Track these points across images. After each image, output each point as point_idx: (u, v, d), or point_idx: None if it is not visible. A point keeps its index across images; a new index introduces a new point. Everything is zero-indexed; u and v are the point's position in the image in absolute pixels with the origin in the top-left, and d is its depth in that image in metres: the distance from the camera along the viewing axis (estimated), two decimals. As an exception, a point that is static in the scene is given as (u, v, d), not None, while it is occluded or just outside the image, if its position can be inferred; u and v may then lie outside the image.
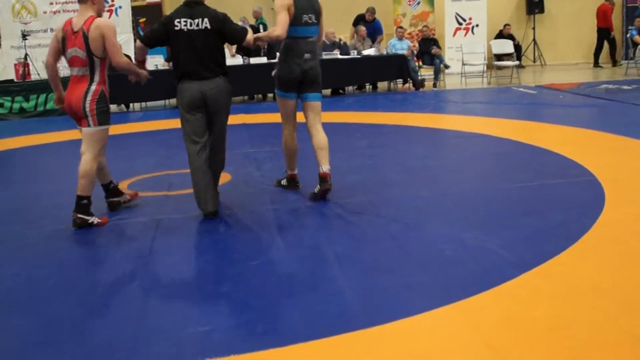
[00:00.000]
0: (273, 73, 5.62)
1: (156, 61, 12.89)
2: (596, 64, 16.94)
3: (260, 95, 13.49)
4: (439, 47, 14.24)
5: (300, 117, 5.65)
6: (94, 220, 4.99)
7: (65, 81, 5.10)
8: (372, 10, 14.53)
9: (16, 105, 12.34)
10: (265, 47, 12.62)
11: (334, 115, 10.32)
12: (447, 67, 14.20)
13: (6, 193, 6.41)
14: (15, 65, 13.80)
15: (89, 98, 4.90)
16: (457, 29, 16.83)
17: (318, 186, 5.37)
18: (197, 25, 5.01)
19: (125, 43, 14.79)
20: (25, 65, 13.36)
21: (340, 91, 13.87)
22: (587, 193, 5.15)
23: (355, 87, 14.27)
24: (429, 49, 14.05)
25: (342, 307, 3.30)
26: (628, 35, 16.19)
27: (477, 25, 16.77)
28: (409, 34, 16.51)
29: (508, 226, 4.43)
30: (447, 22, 16.82)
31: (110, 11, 15.49)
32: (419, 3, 16.84)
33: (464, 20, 16.77)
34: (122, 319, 3.34)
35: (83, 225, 4.93)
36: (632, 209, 4.75)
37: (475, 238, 4.21)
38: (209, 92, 5.03)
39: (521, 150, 6.95)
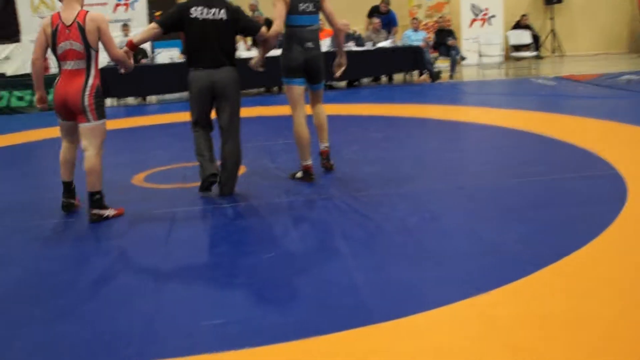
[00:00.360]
0: (253, 62, 5.68)
1: (172, 54, 12.92)
2: None
3: (276, 88, 13.47)
4: (455, 39, 14.15)
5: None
6: (110, 213, 5.02)
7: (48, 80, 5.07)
8: (386, 2, 14.44)
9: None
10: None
11: (350, 108, 10.30)
12: (463, 58, 14.11)
13: (25, 185, 6.45)
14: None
15: (87, 92, 4.87)
16: (474, 20, 16.72)
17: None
18: (214, 14, 5.16)
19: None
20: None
21: (356, 83, 13.82)
22: (608, 187, 5.03)
23: (370, 79, 14.20)
24: (445, 40, 13.97)
25: (357, 301, 3.28)
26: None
27: (493, 16, 16.63)
28: (425, 25, 16.41)
29: (525, 220, 4.36)
30: (463, 13, 16.71)
31: (127, 5, 15.54)
32: (434, -7, 16.77)
33: (480, 10, 16.65)
34: (136, 310, 3.34)
35: (99, 220, 4.95)
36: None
37: (491, 232, 4.17)
38: (217, 80, 5.22)
39: (540, 143, 6.86)
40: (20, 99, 12.69)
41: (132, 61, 5.32)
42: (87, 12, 4.91)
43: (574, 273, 3.47)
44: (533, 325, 2.91)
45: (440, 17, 15.38)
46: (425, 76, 13.70)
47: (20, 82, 12.75)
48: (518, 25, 16.29)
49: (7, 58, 15.06)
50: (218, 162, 5.47)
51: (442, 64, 14.37)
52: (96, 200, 4.97)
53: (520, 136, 7.30)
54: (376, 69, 13.48)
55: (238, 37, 5.95)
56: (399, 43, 13.86)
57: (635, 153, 6.12)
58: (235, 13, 5.28)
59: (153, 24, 5.36)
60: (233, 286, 3.61)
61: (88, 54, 4.86)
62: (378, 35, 13.77)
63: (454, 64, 13.86)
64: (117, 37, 14.11)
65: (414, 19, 15.04)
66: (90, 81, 4.90)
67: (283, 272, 3.76)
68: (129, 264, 4.12)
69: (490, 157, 6.51)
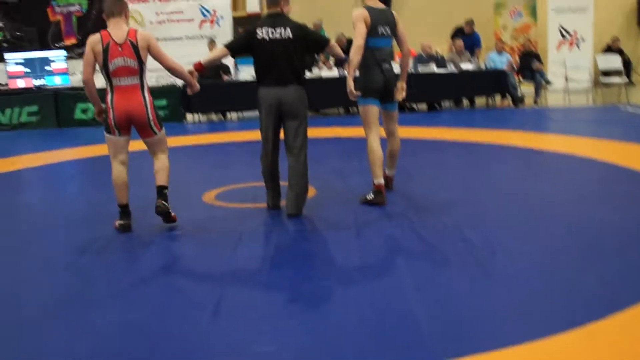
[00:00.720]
0: (348, 90, 5.61)
1: (253, 72, 13.04)
2: None
3: (356, 108, 13.43)
4: (540, 62, 13.78)
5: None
6: (172, 213, 5.26)
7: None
8: (471, 22, 14.23)
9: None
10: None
11: (429, 132, 10.16)
12: (548, 83, 13.74)
13: (91, 197, 6.59)
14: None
15: (148, 107, 5.14)
16: (561, 43, 16.28)
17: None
18: (280, 34, 5.31)
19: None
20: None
21: (436, 106, 13.65)
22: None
23: (451, 102, 14.01)
24: (529, 63, 13.63)
25: (415, 334, 3.17)
26: None
27: (582, 39, 16.16)
28: (510, 47, 16.08)
29: (604, 260, 4.12)
30: (550, 35, 16.29)
31: (212, 21, 15.85)
32: (520, 15, 16.40)
33: (569, 33, 16.20)
34: (189, 330, 3.33)
35: (165, 210, 5.18)
36: None
37: (566, 269, 3.97)
38: (284, 97, 5.35)
39: (626, 177, 6.49)
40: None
41: (196, 82, 5.50)
42: (137, 30, 5.17)
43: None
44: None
45: (526, 40, 15.03)
46: (507, 100, 13.41)
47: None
48: (608, 49, 15.69)
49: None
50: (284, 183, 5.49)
51: (526, 89, 14.03)
52: (165, 193, 5.23)
53: (606, 168, 6.96)
54: (457, 91, 13.31)
55: (321, 58, 6.09)
56: (482, 65, 13.63)
57: None
58: (300, 30, 5.40)
59: (222, 47, 5.59)
60: (290, 311, 3.55)
61: (141, 69, 5.13)
62: (461, 57, 13.58)
63: (538, 89, 13.51)
64: (190, 54, 14.51)
65: (498, 40, 14.76)
66: (147, 95, 5.17)
67: (342, 299, 3.68)
68: (190, 280, 4.13)
69: (571, 189, 6.20)
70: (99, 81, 5.06)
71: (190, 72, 5.45)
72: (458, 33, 14.37)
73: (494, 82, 13.05)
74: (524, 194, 5.98)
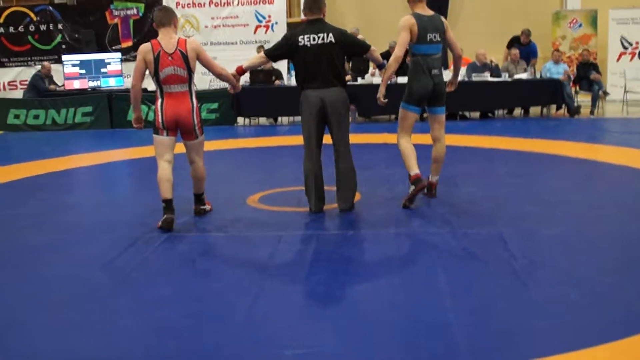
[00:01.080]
0: (378, 95, 5.77)
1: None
2: None
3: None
4: (598, 73, 13.45)
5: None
6: (207, 206, 5.82)
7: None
8: (527, 33, 13.99)
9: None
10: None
11: (480, 140, 10.03)
12: (606, 94, 13.42)
13: (138, 198, 6.67)
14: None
15: (195, 113, 5.43)
16: (622, 54, 15.89)
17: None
18: (322, 39, 5.47)
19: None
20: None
21: (490, 114, 13.47)
22: None
23: (505, 111, 13.80)
24: (587, 73, 13.34)
25: (448, 344, 3.12)
26: None
27: (644, 50, 15.77)
28: (569, 57, 15.77)
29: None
30: (610, 45, 15.91)
31: (267, 27, 15.95)
32: (580, 25, 16.06)
33: (630, 44, 15.81)
34: (221, 330, 3.36)
35: (203, 213, 5.73)
36: None
37: (606, 284, 3.85)
38: (327, 98, 5.51)
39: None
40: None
41: (239, 84, 5.83)
42: (186, 40, 5.42)
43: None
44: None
45: (584, 50, 14.70)
46: (563, 110, 13.15)
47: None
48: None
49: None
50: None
51: (583, 99, 13.73)
52: (202, 199, 5.75)
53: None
54: (511, 100, 13.09)
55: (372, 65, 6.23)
56: (538, 75, 13.39)
57: None
58: (342, 35, 5.57)
59: (262, 54, 5.79)
60: (324, 317, 3.54)
61: (190, 77, 5.40)
62: (516, 67, 13.37)
63: (595, 99, 13.20)
64: (245, 59, 14.58)
65: (555, 50, 14.48)
66: (195, 102, 5.44)
67: (376, 306, 3.64)
68: (226, 283, 4.12)
69: (621, 202, 5.98)
70: (150, 86, 5.28)
71: (233, 76, 5.73)
72: (514, 42, 14.14)
73: (549, 91, 12.78)
74: (570, 205, 5.84)
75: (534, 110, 13.66)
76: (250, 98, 12.93)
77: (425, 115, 5.97)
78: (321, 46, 5.46)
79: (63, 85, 14.47)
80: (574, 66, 14.47)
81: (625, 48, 15.89)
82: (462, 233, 4.96)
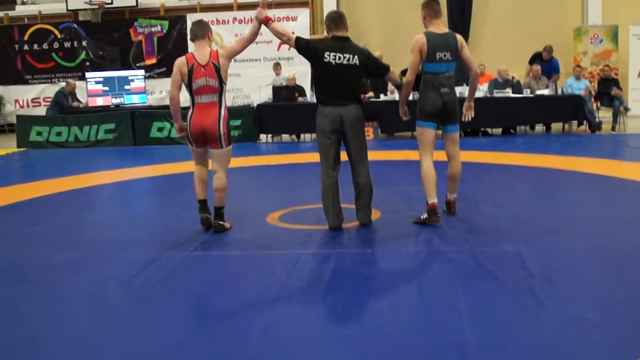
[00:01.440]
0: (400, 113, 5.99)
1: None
2: None
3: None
4: (619, 88, 13.38)
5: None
6: (227, 224, 5.83)
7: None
8: (549, 49, 13.97)
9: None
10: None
11: (501, 156, 10.00)
12: (627, 109, 13.35)
13: (159, 215, 6.74)
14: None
15: (221, 122, 5.63)
16: (644, 69, 15.82)
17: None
18: (348, 60, 5.55)
19: (302, 75, 15.27)
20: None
21: (512, 131, 13.43)
22: None
23: (527, 127, 13.76)
24: (608, 89, 13.28)
25: (464, 364, 3.13)
26: None
27: (666, 65, 15.66)
28: (590, 73, 15.70)
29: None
30: (632, 61, 15.83)
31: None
32: (601, 41, 16.00)
33: (652, 59, 15.73)
34: (237, 349, 3.38)
35: (222, 229, 5.75)
36: None
37: (625, 302, 3.84)
38: (346, 115, 5.61)
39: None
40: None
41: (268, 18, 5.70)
42: (217, 51, 5.62)
43: None
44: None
45: (605, 66, 14.62)
46: (584, 126, 13.09)
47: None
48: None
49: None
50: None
51: (604, 115, 13.65)
52: (221, 214, 5.79)
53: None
54: (533, 117, 13.04)
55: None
56: (560, 91, 13.34)
57: None
58: (366, 58, 5.66)
59: (294, 37, 5.63)
60: (340, 335, 3.56)
61: (221, 88, 5.64)
62: (538, 83, 13.34)
63: (616, 115, 13.12)
64: (269, 76, 14.68)
65: (576, 66, 14.43)
66: (223, 112, 5.67)
67: (394, 325, 3.66)
68: (244, 302, 4.15)
69: (641, 219, 5.98)
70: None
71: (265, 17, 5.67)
72: (536, 58, 14.11)
73: (570, 107, 12.72)
74: (590, 222, 5.83)
75: (556, 127, 13.61)
76: (273, 115, 13.01)
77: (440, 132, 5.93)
78: (345, 67, 5.55)
79: (86, 102, 14.65)
80: (596, 82, 14.41)
81: (646, 64, 15.80)
82: (480, 251, 4.96)
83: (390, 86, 13.40)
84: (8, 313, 4.09)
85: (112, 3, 16.85)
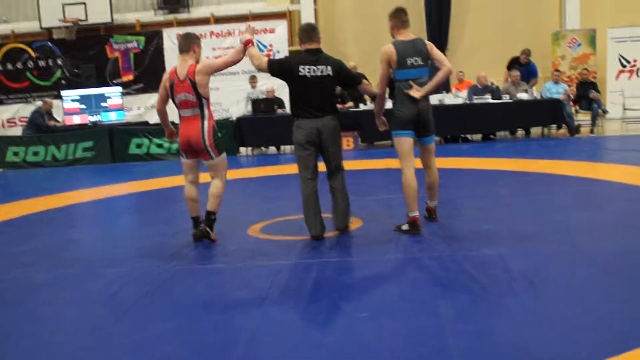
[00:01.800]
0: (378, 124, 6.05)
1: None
2: None
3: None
4: (597, 91, 13.48)
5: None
6: (212, 236, 5.77)
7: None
8: (527, 52, 14.04)
9: (174, 146, 12.99)
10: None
11: (481, 162, 10.01)
12: (605, 112, 13.44)
13: (140, 231, 6.66)
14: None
15: (206, 134, 5.61)
16: (621, 72, 15.95)
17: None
18: (321, 72, 5.59)
19: (281, 87, 15.22)
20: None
21: (491, 136, 13.47)
22: None
23: (507, 132, 13.80)
24: (587, 92, 13.36)
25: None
26: None
27: (643, 68, 15.81)
28: (569, 77, 15.82)
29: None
30: (609, 64, 15.98)
31: (269, 56, 16.04)
32: (579, 45, 16.13)
33: (628, 62, 15.86)
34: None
35: (204, 236, 5.75)
36: None
37: (607, 302, 3.83)
38: (322, 127, 5.65)
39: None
40: (159, 146, 13.30)
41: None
42: (195, 65, 5.50)
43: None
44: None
45: (583, 69, 14.73)
46: (563, 130, 13.15)
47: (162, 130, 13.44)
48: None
49: (153, 107, 15.90)
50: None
51: (583, 118, 13.74)
52: (212, 220, 5.78)
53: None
54: (512, 122, 13.10)
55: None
56: (538, 95, 13.41)
57: None
58: (339, 68, 5.72)
59: (266, 61, 5.65)
60: (320, 345, 3.51)
61: (200, 102, 5.59)
62: (517, 88, 13.38)
63: (595, 118, 13.21)
64: (246, 89, 14.62)
65: (555, 70, 14.52)
66: (206, 123, 5.64)
67: (375, 333, 3.61)
68: (227, 315, 4.09)
69: (623, 220, 5.95)
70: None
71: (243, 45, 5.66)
72: (514, 63, 14.18)
73: (549, 111, 12.80)
74: (571, 223, 5.83)
75: (535, 131, 13.68)
76: (253, 128, 12.98)
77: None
78: (320, 78, 5.59)
79: (63, 121, 14.53)
80: (574, 85, 14.50)
81: (623, 66, 15.98)
82: (462, 256, 4.93)
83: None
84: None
85: (86, 20, 16.76)
